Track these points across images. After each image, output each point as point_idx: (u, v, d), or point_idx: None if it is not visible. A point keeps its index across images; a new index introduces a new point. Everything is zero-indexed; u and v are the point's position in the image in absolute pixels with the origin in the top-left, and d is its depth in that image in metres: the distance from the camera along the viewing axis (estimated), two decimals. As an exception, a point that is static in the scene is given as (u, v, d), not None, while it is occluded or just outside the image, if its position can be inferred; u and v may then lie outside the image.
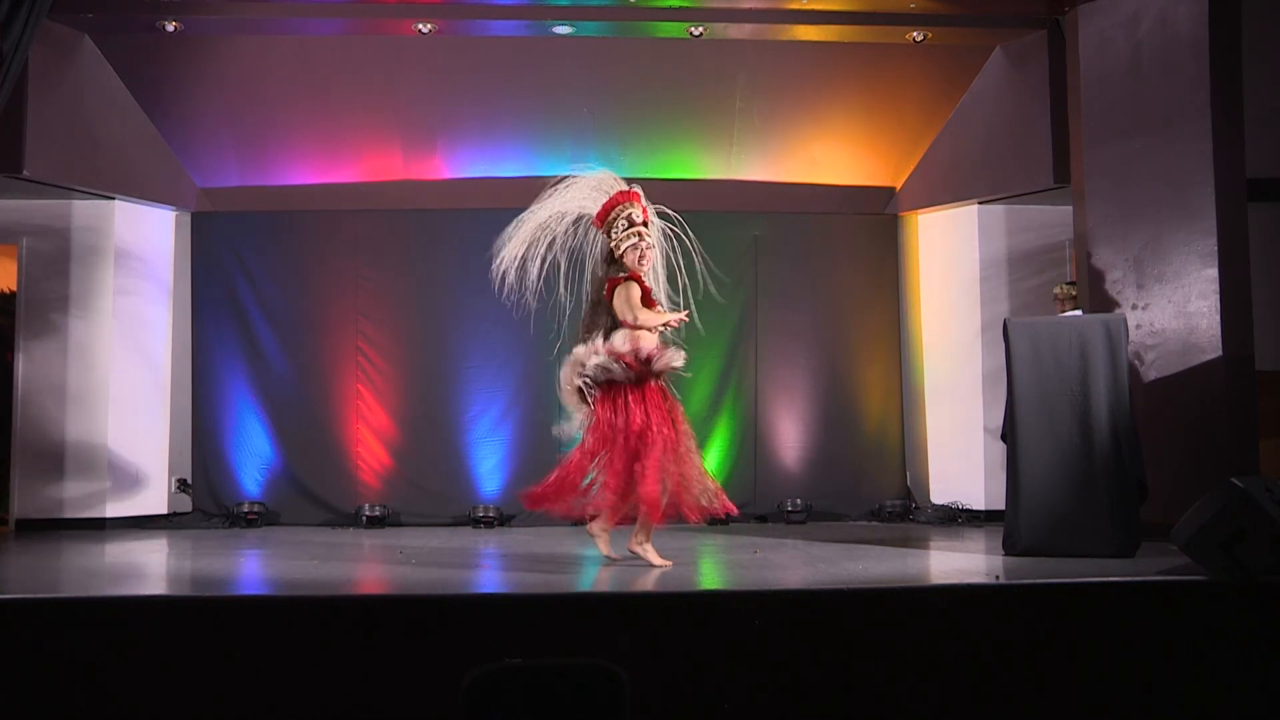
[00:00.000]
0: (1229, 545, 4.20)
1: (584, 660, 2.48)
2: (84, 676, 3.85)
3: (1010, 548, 5.54)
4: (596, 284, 5.50)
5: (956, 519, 7.92)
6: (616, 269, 5.41)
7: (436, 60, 7.75)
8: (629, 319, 5.27)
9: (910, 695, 3.96)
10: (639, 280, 5.37)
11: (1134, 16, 6.51)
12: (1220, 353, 6.11)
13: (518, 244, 5.54)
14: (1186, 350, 6.22)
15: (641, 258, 5.40)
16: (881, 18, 7.47)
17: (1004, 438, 5.75)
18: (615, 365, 5.22)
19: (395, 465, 8.15)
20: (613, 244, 5.43)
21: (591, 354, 5.29)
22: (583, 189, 5.62)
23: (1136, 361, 6.25)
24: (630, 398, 5.22)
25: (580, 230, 5.60)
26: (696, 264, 5.76)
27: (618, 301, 5.32)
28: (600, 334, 5.34)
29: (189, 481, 8.16)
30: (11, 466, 7.74)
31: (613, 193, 5.54)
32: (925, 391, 8.49)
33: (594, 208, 5.55)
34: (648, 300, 5.38)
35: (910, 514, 8.24)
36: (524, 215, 5.60)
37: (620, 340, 5.28)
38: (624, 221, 5.43)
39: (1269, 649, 4.09)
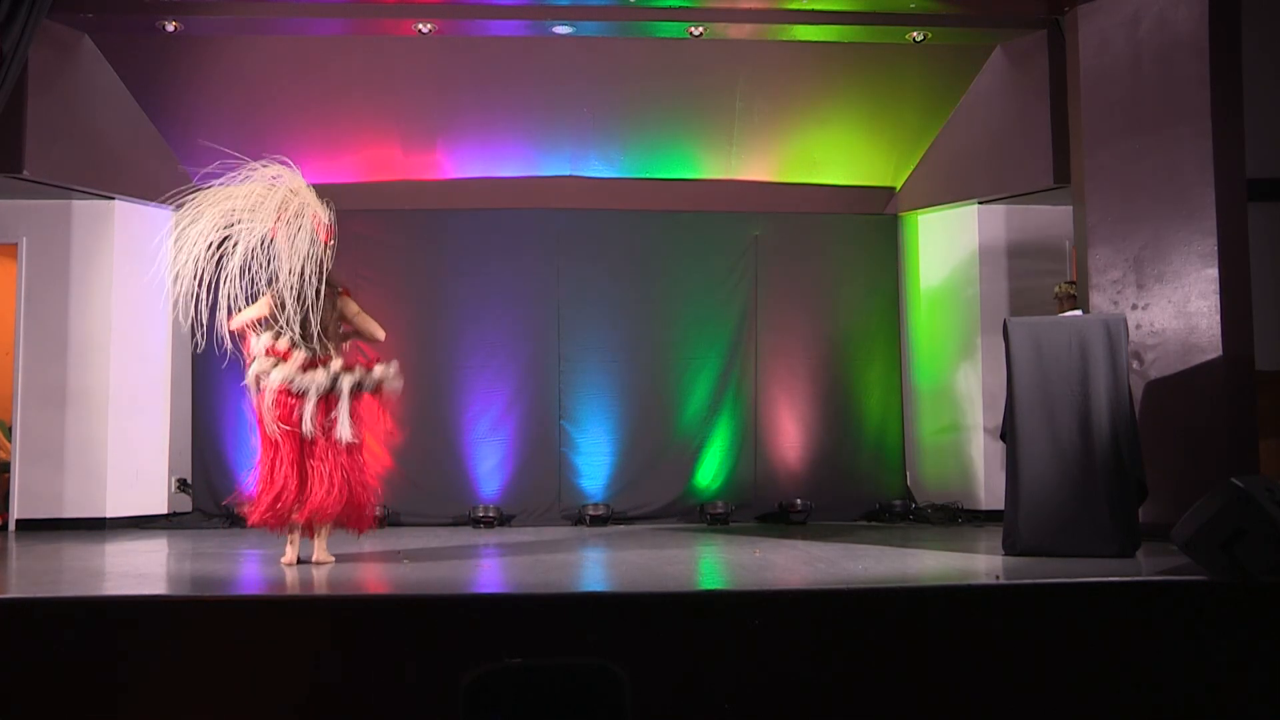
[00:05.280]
0: (1229, 545, 4.20)
1: (584, 660, 2.48)
2: (84, 676, 3.86)
3: (1010, 548, 5.54)
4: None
5: (956, 519, 7.92)
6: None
7: (436, 60, 7.75)
8: None
9: (910, 695, 3.96)
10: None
11: (1134, 16, 6.52)
12: (1220, 353, 6.11)
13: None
14: (1186, 350, 6.22)
15: None
16: (881, 18, 7.47)
17: (1004, 438, 5.76)
18: None
19: (395, 465, 8.13)
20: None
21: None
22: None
23: (1136, 361, 6.25)
24: None
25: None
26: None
27: None
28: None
29: (189, 481, 8.16)
30: (11, 466, 7.74)
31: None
32: (925, 391, 8.48)
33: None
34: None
35: (910, 514, 8.23)
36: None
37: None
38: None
39: (1269, 649, 4.09)
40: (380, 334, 5.79)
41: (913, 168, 8.47)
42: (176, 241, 5.48)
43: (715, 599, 4.38)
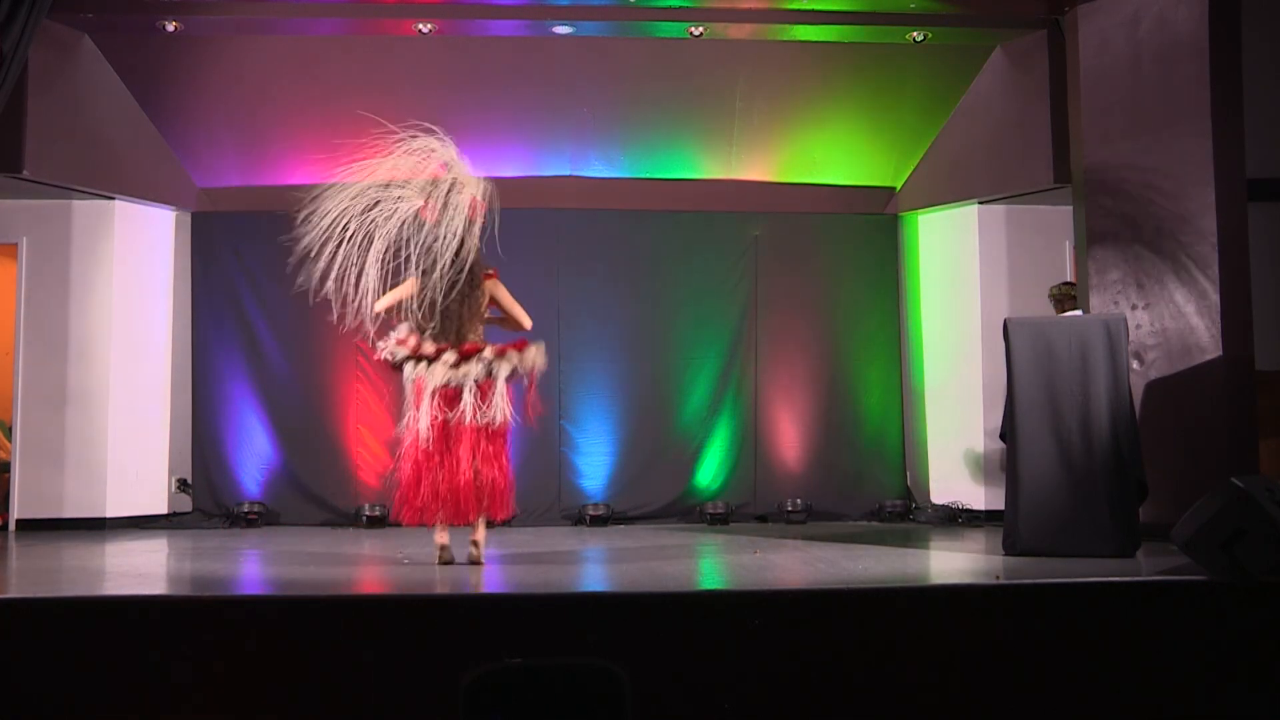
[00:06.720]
0: (1229, 545, 4.20)
1: (584, 660, 2.48)
2: (84, 676, 3.86)
3: (1010, 548, 5.54)
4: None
5: (956, 519, 7.92)
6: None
7: (436, 60, 7.75)
8: None
9: (910, 695, 3.96)
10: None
11: (1134, 16, 6.51)
12: (1220, 353, 6.11)
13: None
14: (1186, 350, 6.22)
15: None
16: (881, 18, 7.47)
17: (1004, 438, 5.76)
18: None
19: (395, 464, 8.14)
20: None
21: None
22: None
23: (1136, 361, 6.25)
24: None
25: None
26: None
27: None
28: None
29: (189, 481, 8.15)
30: (11, 466, 7.74)
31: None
32: (925, 392, 8.48)
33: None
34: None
35: (910, 514, 8.24)
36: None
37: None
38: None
39: (1269, 649, 4.09)
40: (527, 322, 5.57)
41: (913, 168, 8.47)
42: (322, 216, 5.34)
43: (715, 599, 4.38)
